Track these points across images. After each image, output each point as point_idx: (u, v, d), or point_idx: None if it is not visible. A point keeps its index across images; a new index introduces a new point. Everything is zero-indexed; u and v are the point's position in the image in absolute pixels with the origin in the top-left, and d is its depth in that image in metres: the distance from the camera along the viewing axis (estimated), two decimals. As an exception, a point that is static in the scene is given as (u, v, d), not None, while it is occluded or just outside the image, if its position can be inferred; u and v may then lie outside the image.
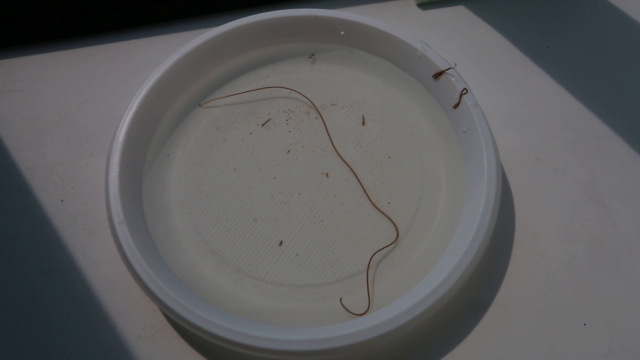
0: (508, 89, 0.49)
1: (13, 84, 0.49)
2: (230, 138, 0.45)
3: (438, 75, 0.45)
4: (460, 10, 0.54)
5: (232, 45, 0.48)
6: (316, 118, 0.46)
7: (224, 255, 0.40)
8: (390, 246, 0.40)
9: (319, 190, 0.43)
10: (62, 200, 0.43)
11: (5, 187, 0.43)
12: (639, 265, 0.41)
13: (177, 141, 0.45)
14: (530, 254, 0.41)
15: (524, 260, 0.41)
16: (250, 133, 0.45)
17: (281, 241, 0.40)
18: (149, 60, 0.50)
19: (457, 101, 0.43)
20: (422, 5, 0.54)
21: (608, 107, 0.48)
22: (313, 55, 0.47)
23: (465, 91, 0.43)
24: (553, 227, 0.42)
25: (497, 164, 0.40)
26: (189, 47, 0.46)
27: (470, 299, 0.39)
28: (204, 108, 0.46)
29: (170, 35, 0.52)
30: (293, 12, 0.48)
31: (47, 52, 0.51)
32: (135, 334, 0.38)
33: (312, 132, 0.45)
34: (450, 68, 0.44)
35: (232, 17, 0.47)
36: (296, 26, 0.48)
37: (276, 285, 0.39)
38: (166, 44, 0.52)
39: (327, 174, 0.43)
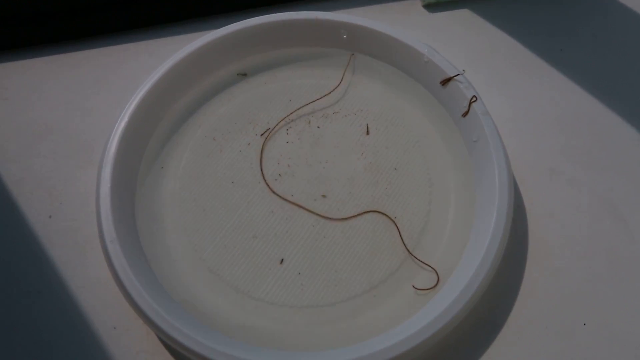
0: (520, 96, 0.49)
1: (-2, 92, 0.49)
2: (228, 149, 0.45)
3: (446, 81, 0.45)
4: (469, 12, 0.54)
5: (229, 51, 0.48)
6: (318, 127, 0.46)
7: (222, 274, 0.40)
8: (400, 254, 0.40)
9: (322, 204, 0.43)
10: (51, 216, 0.43)
11: (-9, 202, 0.44)
12: (660, 281, 0.41)
13: (172, 153, 0.45)
14: (544, 271, 0.41)
15: (538, 277, 0.41)
16: (249, 144, 0.45)
17: (282, 259, 0.40)
18: (142, 67, 0.50)
19: (466, 109, 0.43)
20: (428, 7, 0.55)
21: (626, 114, 0.48)
22: (245, 74, 0.47)
23: (474, 99, 0.43)
24: (568, 242, 0.42)
25: (508, 176, 0.40)
26: (184, 52, 0.46)
27: (482, 319, 0.39)
28: (200, 116, 0.46)
29: (165, 40, 0.53)
30: (292, 15, 0.48)
31: (35, 58, 0.51)
32: None
33: (314, 143, 0.45)
34: (458, 74, 0.44)
35: (228, 21, 0.47)
36: (295, 30, 0.48)
37: (277, 306, 0.39)
38: (160, 49, 0.52)
39: (330, 188, 0.43)
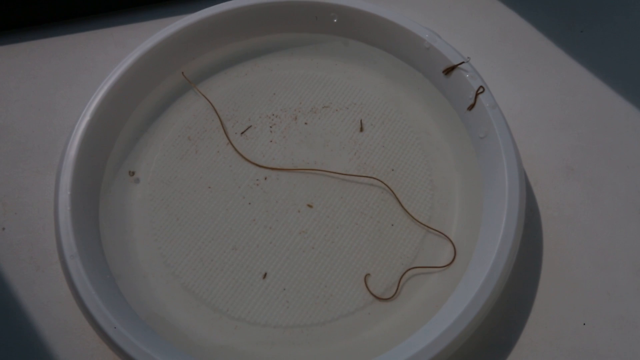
0: (533, 86, 0.49)
1: (-59, 88, 0.50)
2: (204, 150, 0.46)
3: (449, 70, 0.45)
4: (475, -10, 0.55)
5: (205, 38, 0.48)
6: (305, 124, 0.47)
7: (198, 291, 0.40)
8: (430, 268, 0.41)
9: (309, 212, 0.43)
10: (3, 229, 0.43)
11: (-64, 213, 0.44)
12: (692, 293, 0.41)
13: (141, 155, 0.45)
14: (561, 283, 0.41)
15: (553, 291, 0.41)
16: (227, 143, 0.46)
17: (265, 273, 0.41)
18: (106, 57, 0.51)
19: (472, 102, 0.44)
20: (430, -15, 0.55)
21: (654, 105, 0.49)
22: (133, 173, 0.44)
23: (481, 89, 0.43)
24: (589, 250, 0.43)
25: (520, 176, 0.40)
26: (154, 40, 0.46)
27: (490, 339, 0.39)
28: (172, 113, 0.47)
29: (131, 26, 0.53)
30: (276, -3, 0.48)
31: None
32: (93, 388, 0.38)
33: (301, 141, 0.46)
34: (463, 62, 0.45)
35: (203, 4, 0.48)
36: (279, 13, 0.49)
37: (260, 327, 0.39)
38: (126, 37, 0.52)
39: (319, 193, 0.44)
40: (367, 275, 0.40)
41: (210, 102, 0.47)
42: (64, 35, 0.52)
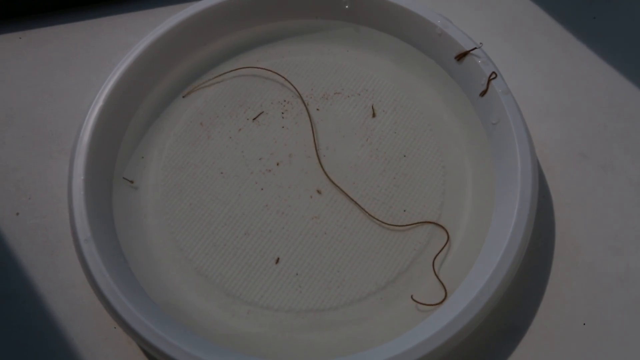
0: (546, 72, 0.49)
1: (-44, 74, 0.50)
2: (216, 136, 0.46)
3: (461, 56, 0.45)
4: (487, -24, 0.55)
5: (217, 24, 0.48)
6: (317, 110, 0.47)
7: (211, 275, 0.40)
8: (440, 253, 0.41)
9: (322, 197, 0.43)
10: (18, 213, 0.43)
11: (-49, 198, 0.44)
12: None
13: (153, 141, 0.45)
14: (573, 268, 0.41)
15: (566, 276, 0.41)
16: (240, 129, 0.46)
17: (278, 258, 0.41)
18: (117, 43, 0.51)
19: (484, 88, 0.44)
20: (442, -29, 0.55)
21: (667, 91, 0.48)
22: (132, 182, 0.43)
23: (494, 75, 0.43)
24: (601, 236, 0.42)
25: (532, 162, 0.40)
26: (165, 27, 0.46)
27: (503, 324, 0.39)
28: (185, 99, 0.47)
29: (143, 13, 0.53)
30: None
31: (-4, 36, 0.52)
32: (108, 371, 0.38)
33: (313, 127, 0.46)
34: (476, 48, 0.44)
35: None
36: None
37: (273, 311, 0.39)
38: (138, 24, 0.52)
39: (331, 178, 0.44)
40: (412, 295, 0.40)
41: (281, 75, 0.48)
42: (76, 22, 0.52)
